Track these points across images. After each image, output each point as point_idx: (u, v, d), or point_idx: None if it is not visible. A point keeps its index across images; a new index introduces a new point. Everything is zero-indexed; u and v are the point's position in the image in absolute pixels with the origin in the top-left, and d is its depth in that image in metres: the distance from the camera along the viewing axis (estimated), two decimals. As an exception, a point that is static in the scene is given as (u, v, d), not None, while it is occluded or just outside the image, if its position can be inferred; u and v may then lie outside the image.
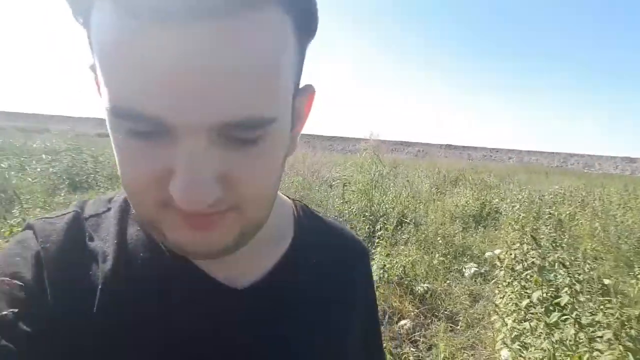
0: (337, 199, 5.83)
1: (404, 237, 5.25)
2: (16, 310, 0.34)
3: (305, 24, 0.33)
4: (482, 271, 4.61)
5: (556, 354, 1.83)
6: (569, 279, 2.29)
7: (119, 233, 0.41)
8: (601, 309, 2.01)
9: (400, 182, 8.68)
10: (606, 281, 4.75)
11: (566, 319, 2.17)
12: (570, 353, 1.77)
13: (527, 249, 3.55)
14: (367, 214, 5.49)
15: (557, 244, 4.37)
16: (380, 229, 4.60)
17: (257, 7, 0.28)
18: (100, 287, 0.37)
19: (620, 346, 1.56)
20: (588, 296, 2.69)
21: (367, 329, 0.56)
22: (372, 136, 6.77)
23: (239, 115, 0.29)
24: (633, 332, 1.70)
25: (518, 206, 7.35)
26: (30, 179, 6.60)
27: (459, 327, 3.29)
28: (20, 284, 0.36)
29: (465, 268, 4.72)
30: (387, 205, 6.19)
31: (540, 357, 1.91)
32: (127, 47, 0.27)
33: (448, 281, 4.23)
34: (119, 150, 0.32)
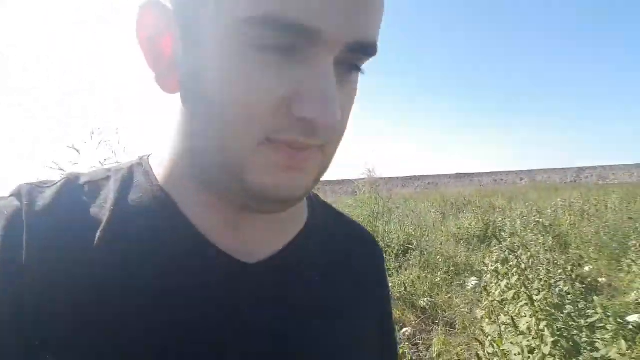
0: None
1: (410, 262, 5.68)
2: None
3: None
4: (483, 284, 4.99)
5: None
6: (517, 265, 2.70)
7: (118, 200, 0.38)
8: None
9: (406, 214, 9.15)
10: (601, 279, 5.08)
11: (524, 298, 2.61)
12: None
13: (509, 253, 3.99)
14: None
15: (544, 247, 4.78)
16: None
17: None
18: (92, 253, 0.35)
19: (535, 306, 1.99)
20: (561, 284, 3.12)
21: (383, 321, 0.53)
22: (369, 173, 7.37)
23: (368, 37, 0.33)
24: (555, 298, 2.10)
25: (519, 222, 7.73)
26: None
27: (456, 330, 3.68)
28: None
29: (466, 282, 5.11)
30: (391, 235, 6.66)
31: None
32: None
33: (449, 294, 4.61)
34: (237, 72, 0.31)
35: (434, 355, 3.10)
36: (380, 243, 4.54)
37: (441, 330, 3.56)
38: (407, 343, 3.35)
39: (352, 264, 0.49)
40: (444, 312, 4.05)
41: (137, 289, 0.35)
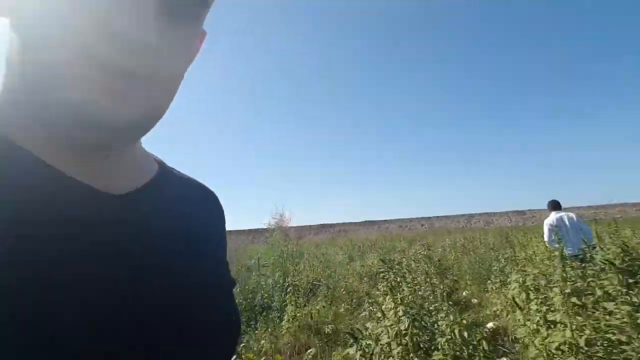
0: (254, 276, 6.66)
1: (318, 298, 6.18)
2: None
3: None
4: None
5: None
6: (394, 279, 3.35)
7: None
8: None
9: (316, 256, 9.73)
10: (474, 300, 6.03)
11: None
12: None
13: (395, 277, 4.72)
14: (283, 283, 6.36)
15: (427, 274, 5.66)
16: (289, 292, 5.49)
17: None
18: None
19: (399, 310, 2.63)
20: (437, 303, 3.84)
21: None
22: (279, 219, 7.91)
23: None
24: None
25: (413, 258, 8.78)
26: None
27: (354, 348, 4.19)
28: None
29: (366, 310, 5.73)
30: (301, 275, 7.14)
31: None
32: None
33: (351, 321, 5.16)
34: None
35: (333, 366, 3.56)
36: (290, 282, 5.03)
37: (341, 348, 4.05)
38: (311, 361, 3.77)
39: (202, 210, 0.51)
40: (345, 335, 4.55)
41: (8, 245, 0.29)
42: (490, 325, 4.38)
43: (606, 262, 2.74)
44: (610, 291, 2.61)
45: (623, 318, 2.32)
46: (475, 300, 5.92)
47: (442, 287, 5.24)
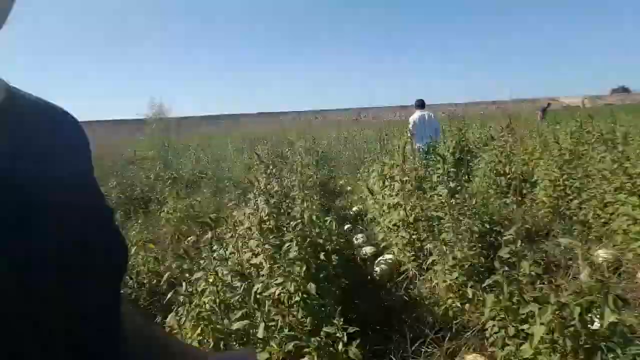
0: (133, 168, 6.43)
1: (203, 189, 6.30)
2: None
3: None
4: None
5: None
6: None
7: None
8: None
9: (202, 149, 9.62)
10: (348, 188, 6.70)
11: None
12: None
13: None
14: (164, 176, 6.28)
15: (303, 165, 6.11)
16: (170, 184, 5.49)
17: None
18: None
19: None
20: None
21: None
22: (157, 112, 7.47)
23: None
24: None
25: (301, 151, 9.25)
26: None
27: (234, 233, 4.52)
28: None
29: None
30: (186, 168, 7.08)
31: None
32: None
33: (235, 210, 5.46)
34: None
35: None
36: (171, 174, 4.95)
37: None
38: (191, 249, 4.02)
39: (58, 135, 0.47)
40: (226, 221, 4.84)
41: None
42: (355, 208, 5.04)
43: (437, 154, 3.26)
44: (439, 178, 3.18)
45: (442, 199, 2.88)
46: (349, 188, 6.63)
47: (316, 177, 5.71)
